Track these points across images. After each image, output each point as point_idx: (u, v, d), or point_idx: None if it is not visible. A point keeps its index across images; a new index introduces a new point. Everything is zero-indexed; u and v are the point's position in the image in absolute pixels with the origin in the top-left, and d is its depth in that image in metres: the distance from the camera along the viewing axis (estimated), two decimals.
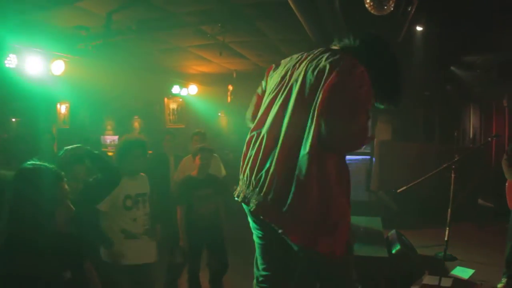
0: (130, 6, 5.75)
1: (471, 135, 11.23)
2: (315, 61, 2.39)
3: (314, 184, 2.20)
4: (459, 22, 6.29)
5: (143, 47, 8.11)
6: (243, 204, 2.52)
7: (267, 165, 2.30)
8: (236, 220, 6.27)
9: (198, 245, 5.08)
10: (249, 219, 2.63)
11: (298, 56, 2.57)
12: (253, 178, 2.37)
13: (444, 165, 6.56)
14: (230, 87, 10.73)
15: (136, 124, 12.01)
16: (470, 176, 9.18)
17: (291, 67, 2.50)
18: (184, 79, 11.49)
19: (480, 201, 9.18)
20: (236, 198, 2.56)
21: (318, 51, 2.50)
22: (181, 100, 12.35)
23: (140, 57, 8.86)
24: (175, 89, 11.19)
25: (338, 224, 2.28)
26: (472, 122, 11.21)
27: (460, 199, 8.69)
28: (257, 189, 2.33)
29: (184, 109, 12.48)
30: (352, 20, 5.37)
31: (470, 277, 5.99)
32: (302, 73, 2.37)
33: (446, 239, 6.27)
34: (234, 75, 10.57)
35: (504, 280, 5.53)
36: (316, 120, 2.20)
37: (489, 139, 6.97)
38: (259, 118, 2.51)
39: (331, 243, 2.26)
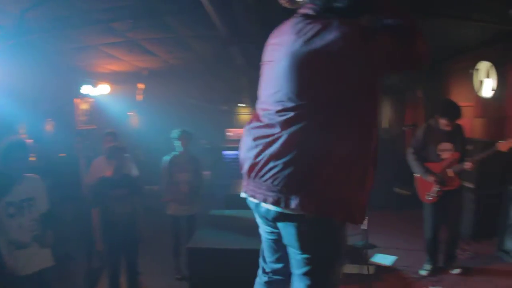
0: (44, 3, 5.46)
1: (384, 125, 11.52)
2: None
3: None
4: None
5: (56, 46, 7.79)
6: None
7: None
8: (151, 221, 6.31)
9: (116, 248, 4.95)
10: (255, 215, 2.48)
11: None
12: None
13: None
14: (141, 86, 10.42)
15: (49, 127, 11.49)
16: (385, 165, 9.42)
17: None
18: (95, 79, 11.16)
19: (396, 189, 9.42)
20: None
21: None
22: (92, 100, 11.93)
23: (53, 57, 8.52)
24: (86, 89, 10.81)
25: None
26: (387, 113, 11.50)
27: (376, 187, 8.84)
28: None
29: (96, 110, 12.08)
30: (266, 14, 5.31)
31: (392, 263, 6.16)
32: None
33: (365, 227, 6.36)
34: (146, 72, 10.37)
35: (428, 266, 5.69)
36: None
37: (404, 128, 7.08)
38: None
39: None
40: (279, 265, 2.52)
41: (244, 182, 2.38)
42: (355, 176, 2.12)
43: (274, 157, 2.10)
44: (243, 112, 13.34)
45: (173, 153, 6.22)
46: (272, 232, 2.43)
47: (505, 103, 7.41)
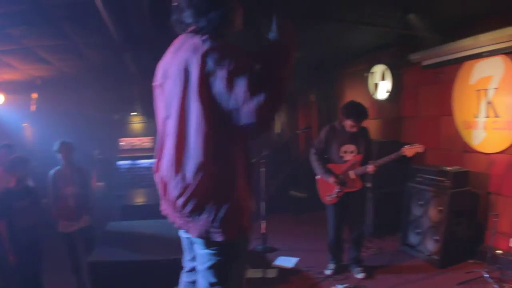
0: None
1: (277, 130, 11.57)
2: None
3: None
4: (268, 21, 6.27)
5: None
6: None
7: None
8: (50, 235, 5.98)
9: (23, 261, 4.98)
10: None
11: None
12: None
13: (253, 160, 6.49)
14: (34, 95, 9.94)
15: None
16: (280, 170, 9.42)
17: None
18: None
19: (292, 192, 9.43)
20: None
21: None
22: None
23: None
24: None
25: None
26: (280, 118, 11.55)
27: (272, 191, 8.86)
28: None
29: None
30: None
31: (295, 265, 6.16)
32: None
33: (263, 231, 6.27)
34: (39, 81, 9.76)
35: (332, 266, 5.68)
36: None
37: (299, 131, 7.05)
38: None
39: None
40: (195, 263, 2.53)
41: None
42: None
43: None
44: (136, 121, 13.25)
45: (57, 167, 5.86)
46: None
47: (400, 104, 7.64)
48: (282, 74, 2.10)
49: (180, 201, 2.19)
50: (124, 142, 12.84)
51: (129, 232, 5.22)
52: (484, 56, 5.71)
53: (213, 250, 2.23)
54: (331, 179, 5.37)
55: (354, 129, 5.37)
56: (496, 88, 5.64)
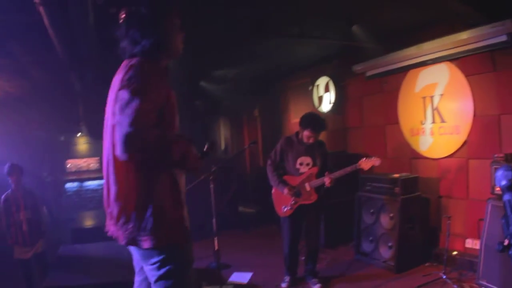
0: None
1: (222, 147, 11.51)
2: None
3: None
4: (210, 37, 6.35)
5: None
6: None
7: None
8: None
9: None
10: None
11: None
12: None
13: (202, 177, 6.40)
14: None
15: None
16: (227, 186, 9.33)
17: None
18: None
19: (240, 208, 9.35)
20: None
21: None
22: None
23: None
24: None
25: None
26: (223, 134, 11.50)
27: (221, 208, 8.74)
28: None
29: None
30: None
31: (250, 280, 6.06)
32: None
33: (216, 248, 6.16)
34: None
35: (287, 278, 5.64)
36: None
37: (246, 146, 7.03)
38: None
39: None
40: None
41: None
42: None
43: None
44: (82, 142, 13.05)
45: (8, 191, 5.83)
46: None
47: (344, 115, 7.73)
48: (158, 157, 2.26)
49: (113, 211, 2.36)
50: (71, 163, 12.70)
51: (81, 255, 5.18)
52: (428, 63, 5.89)
53: (155, 263, 2.37)
54: (285, 190, 5.32)
55: (311, 140, 5.36)
56: (441, 95, 5.83)
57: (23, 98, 9.32)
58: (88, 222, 8.66)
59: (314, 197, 5.39)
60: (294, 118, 9.16)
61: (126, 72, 2.24)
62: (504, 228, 3.46)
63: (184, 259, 2.45)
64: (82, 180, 12.63)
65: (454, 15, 5.25)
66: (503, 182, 3.42)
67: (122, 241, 2.36)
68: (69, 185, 12.21)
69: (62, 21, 4.66)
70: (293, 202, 5.39)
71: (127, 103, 2.13)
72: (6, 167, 5.73)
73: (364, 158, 5.14)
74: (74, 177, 12.51)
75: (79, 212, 7.80)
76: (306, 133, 5.34)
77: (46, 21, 4.48)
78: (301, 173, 5.43)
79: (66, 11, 4.44)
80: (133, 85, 2.17)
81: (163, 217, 2.32)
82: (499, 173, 3.51)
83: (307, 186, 5.37)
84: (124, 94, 2.16)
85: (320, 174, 5.36)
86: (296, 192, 5.35)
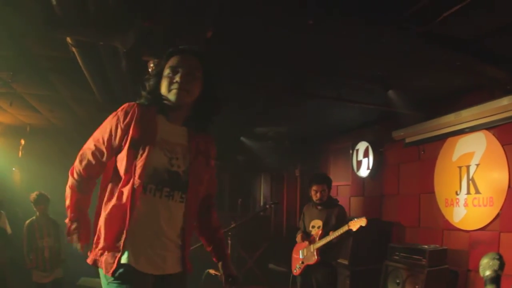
0: None
1: (261, 203, 11.49)
2: None
3: None
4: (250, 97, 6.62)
5: None
6: None
7: None
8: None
9: None
10: None
11: None
12: None
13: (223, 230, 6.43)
14: (22, 141, 9.91)
15: None
16: (258, 241, 9.25)
17: None
18: None
19: (271, 265, 9.22)
20: None
21: None
22: None
23: None
24: None
25: None
26: (263, 191, 11.49)
27: (249, 264, 8.60)
28: None
29: None
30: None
31: None
32: None
33: None
34: (28, 129, 9.88)
35: None
36: None
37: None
38: None
39: None
40: None
41: None
42: None
43: None
44: None
45: (33, 217, 6.13)
46: None
47: (381, 182, 7.58)
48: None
49: None
50: None
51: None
52: (466, 132, 5.78)
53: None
54: (298, 237, 5.76)
55: (319, 195, 5.62)
56: (477, 164, 5.66)
57: (64, 131, 9.76)
58: None
59: (316, 259, 5.49)
60: (333, 181, 9.06)
61: None
62: None
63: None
64: None
65: (493, 81, 5.16)
66: (487, 273, 2.94)
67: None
68: None
69: (95, 64, 4.91)
70: (301, 262, 5.65)
71: None
72: (34, 196, 5.99)
73: (355, 219, 5.23)
74: None
75: None
76: (313, 189, 5.71)
77: (80, 61, 4.71)
78: (311, 236, 5.66)
79: (99, 56, 4.68)
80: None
81: (99, 246, 2.46)
82: (484, 261, 3.00)
83: (311, 248, 5.55)
84: None
85: (324, 236, 5.52)
86: (304, 236, 5.70)
